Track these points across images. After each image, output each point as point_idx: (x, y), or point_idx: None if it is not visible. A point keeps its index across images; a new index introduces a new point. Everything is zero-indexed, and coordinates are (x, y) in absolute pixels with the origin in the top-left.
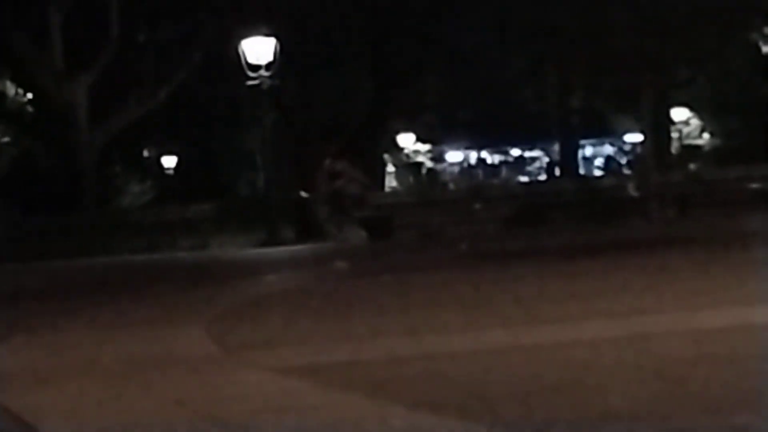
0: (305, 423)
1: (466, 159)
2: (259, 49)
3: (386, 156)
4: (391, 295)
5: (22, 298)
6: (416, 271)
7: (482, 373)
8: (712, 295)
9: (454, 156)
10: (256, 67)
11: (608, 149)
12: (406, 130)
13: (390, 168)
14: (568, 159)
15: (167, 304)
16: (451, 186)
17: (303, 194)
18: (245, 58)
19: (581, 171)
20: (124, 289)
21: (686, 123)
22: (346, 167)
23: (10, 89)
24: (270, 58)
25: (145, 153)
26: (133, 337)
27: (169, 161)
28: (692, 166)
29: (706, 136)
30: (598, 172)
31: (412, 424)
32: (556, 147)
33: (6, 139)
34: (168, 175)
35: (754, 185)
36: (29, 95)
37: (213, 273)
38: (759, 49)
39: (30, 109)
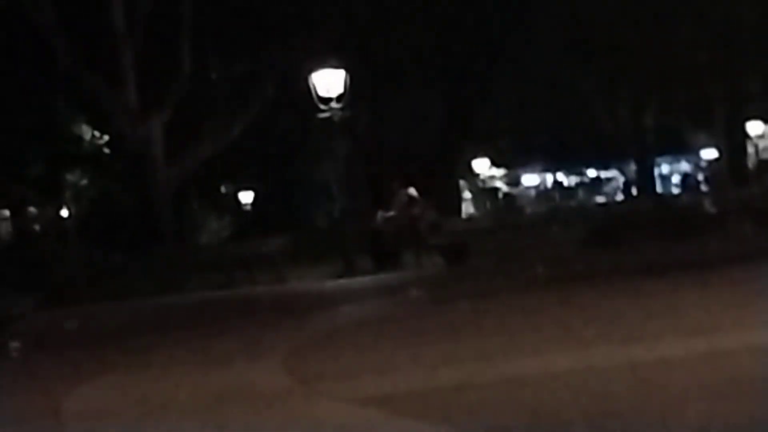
0: None
1: (542, 182)
2: (329, 82)
3: (462, 182)
4: (466, 322)
5: (105, 337)
6: (492, 296)
7: (556, 396)
8: None
9: (529, 179)
10: (326, 100)
11: (685, 166)
12: (481, 155)
13: (466, 194)
14: (645, 178)
15: (244, 338)
16: (528, 210)
17: (378, 223)
18: (316, 91)
19: (658, 189)
20: (202, 326)
21: (762, 137)
22: (417, 196)
23: (87, 132)
24: (340, 90)
25: (223, 189)
26: (211, 373)
27: (246, 197)
28: None
29: None
30: (675, 190)
31: None
32: (632, 166)
33: (84, 182)
34: (245, 211)
35: None
36: (105, 137)
37: (290, 306)
38: None
39: (107, 150)
